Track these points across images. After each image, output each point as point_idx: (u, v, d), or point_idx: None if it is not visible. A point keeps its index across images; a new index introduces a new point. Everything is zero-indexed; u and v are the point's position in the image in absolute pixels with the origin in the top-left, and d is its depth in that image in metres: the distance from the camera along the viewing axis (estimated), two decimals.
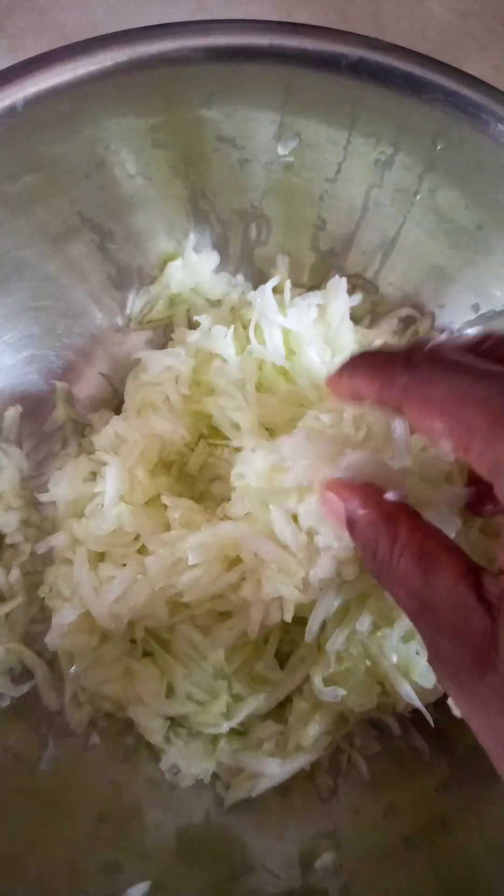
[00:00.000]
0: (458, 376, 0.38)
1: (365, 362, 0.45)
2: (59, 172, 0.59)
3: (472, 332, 0.67)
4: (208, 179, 0.64)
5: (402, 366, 0.41)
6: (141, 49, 0.54)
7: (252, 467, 0.56)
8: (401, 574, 0.40)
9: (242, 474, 0.57)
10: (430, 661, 0.40)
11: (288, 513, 0.57)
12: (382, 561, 0.41)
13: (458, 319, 0.68)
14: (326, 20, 0.85)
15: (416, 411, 0.40)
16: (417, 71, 0.55)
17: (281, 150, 0.62)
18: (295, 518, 0.57)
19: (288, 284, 0.66)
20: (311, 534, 0.54)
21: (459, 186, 0.60)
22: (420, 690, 0.58)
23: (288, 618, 0.57)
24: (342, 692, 0.58)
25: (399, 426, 0.47)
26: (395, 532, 0.41)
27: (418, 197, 0.62)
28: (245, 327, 0.65)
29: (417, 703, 0.57)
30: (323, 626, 0.60)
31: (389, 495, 0.44)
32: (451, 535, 0.48)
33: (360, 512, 0.44)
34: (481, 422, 0.35)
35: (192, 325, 0.69)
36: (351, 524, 0.45)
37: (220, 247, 0.70)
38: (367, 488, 0.45)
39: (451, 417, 0.37)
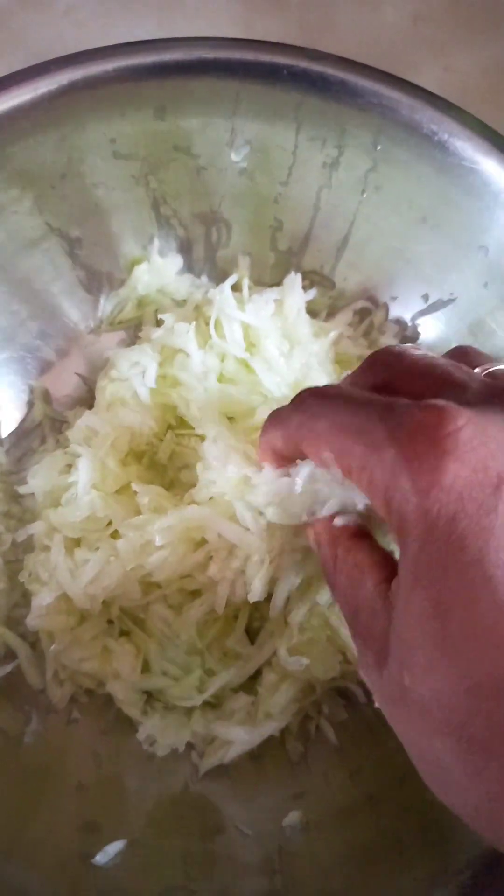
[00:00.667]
0: (337, 409, 0.43)
1: (269, 418, 0.51)
2: (25, 184, 0.63)
3: (423, 321, 0.71)
4: (168, 187, 0.68)
5: (292, 408, 0.48)
6: (96, 68, 0.59)
7: (223, 476, 0.60)
8: (339, 587, 0.46)
9: (213, 480, 0.61)
10: (358, 664, 0.45)
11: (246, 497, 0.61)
12: (329, 577, 0.48)
13: (411, 309, 0.72)
14: (285, 30, 0.89)
15: (310, 446, 0.45)
16: (351, 78, 0.59)
17: (234, 157, 0.66)
18: None
19: (246, 282, 0.70)
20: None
21: (401, 184, 0.64)
22: None
23: (253, 598, 0.60)
24: (306, 661, 0.62)
25: (302, 470, 0.52)
26: (334, 552, 0.48)
27: (365, 195, 0.66)
28: (207, 324, 0.68)
29: None
30: (287, 601, 0.64)
31: (337, 520, 0.50)
32: None
33: (320, 537, 0.51)
34: (357, 449, 0.40)
35: (159, 324, 0.72)
36: (316, 548, 0.52)
37: (184, 250, 0.74)
38: (326, 520, 0.51)
39: (333, 447, 0.43)
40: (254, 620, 0.68)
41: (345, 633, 0.62)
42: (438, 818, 0.56)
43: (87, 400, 0.76)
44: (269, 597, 0.62)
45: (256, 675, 0.67)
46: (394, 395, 0.42)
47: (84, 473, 0.65)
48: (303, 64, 0.59)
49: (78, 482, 0.66)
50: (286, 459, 0.53)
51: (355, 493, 0.51)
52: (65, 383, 0.76)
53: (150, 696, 0.67)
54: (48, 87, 0.59)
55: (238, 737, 0.64)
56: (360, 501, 0.51)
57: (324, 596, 0.63)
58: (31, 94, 0.59)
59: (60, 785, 0.62)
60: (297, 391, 0.67)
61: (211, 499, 0.62)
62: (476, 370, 0.44)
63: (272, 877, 0.59)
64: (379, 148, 0.62)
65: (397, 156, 0.62)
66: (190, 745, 0.66)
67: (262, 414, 0.64)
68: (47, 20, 0.88)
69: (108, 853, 0.56)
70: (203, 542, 0.62)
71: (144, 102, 0.61)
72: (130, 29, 0.88)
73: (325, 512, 0.52)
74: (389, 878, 0.56)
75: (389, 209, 0.66)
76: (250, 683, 0.67)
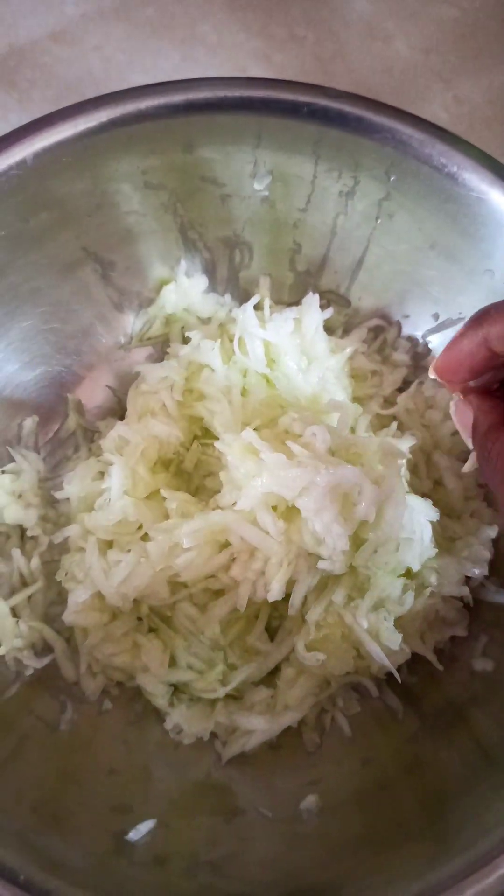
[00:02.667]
0: None
1: (477, 319, 0.49)
2: (64, 213, 0.68)
3: (434, 338, 0.76)
4: (195, 213, 0.73)
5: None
6: (131, 106, 0.64)
7: (251, 492, 0.64)
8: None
9: (237, 487, 0.65)
10: None
11: (268, 504, 0.65)
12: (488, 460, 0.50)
13: (422, 327, 0.76)
14: (301, 63, 0.94)
15: None
16: (368, 115, 0.64)
17: (257, 186, 0.71)
18: (274, 508, 0.66)
19: (267, 301, 0.74)
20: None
21: (412, 212, 0.68)
22: (389, 652, 0.65)
23: (272, 598, 0.64)
24: (322, 657, 0.67)
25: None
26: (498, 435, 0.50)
27: (379, 221, 0.71)
28: (231, 340, 0.73)
29: (386, 662, 0.65)
30: (304, 601, 0.68)
31: None
32: None
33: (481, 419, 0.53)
34: None
35: (186, 341, 0.77)
36: (473, 429, 0.53)
37: (209, 271, 0.78)
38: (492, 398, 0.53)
39: None
40: (273, 619, 0.72)
41: (359, 629, 0.66)
42: (442, 806, 0.61)
43: (116, 411, 0.81)
44: (287, 596, 0.67)
45: (276, 670, 0.72)
46: None
47: (116, 480, 0.70)
48: (322, 102, 0.63)
49: (111, 488, 0.70)
50: (476, 371, 0.52)
51: None
52: (96, 395, 0.81)
53: (176, 689, 0.72)
54: (87, 124, 0.64)
55: (259, 726, 0.68)
56: None
57: (339, 595, 0.67)
58: (72, 130, 0.64)
59: (94, 769, 0.66)
60: (315, 404, 0.73)
61: (234, 504, 0.66)
62: None
63: (289, 855, 0.63)
64: (392, 179, 0.66)
65: (409, 186, 0.67)
66: (213, 735, 0.71)
67: (283, 424, 0.69)
68: (77, 55, 0.93)
69: (140, 831, 0.61)
70: (227, 544, 0.67)
71: (174, 138, 0.66)
72: (155, 62, 0.93)
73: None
74: (394, 858, 0.59)
75: (401, 235, 0.71)
76: (270, 677, 0.72)
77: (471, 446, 0.56)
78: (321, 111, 0.64)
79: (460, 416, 0.55)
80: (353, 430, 0.72)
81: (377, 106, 0.64)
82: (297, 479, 0.62)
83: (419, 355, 0.77)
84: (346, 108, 0.64)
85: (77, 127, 0.63)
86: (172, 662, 0.71)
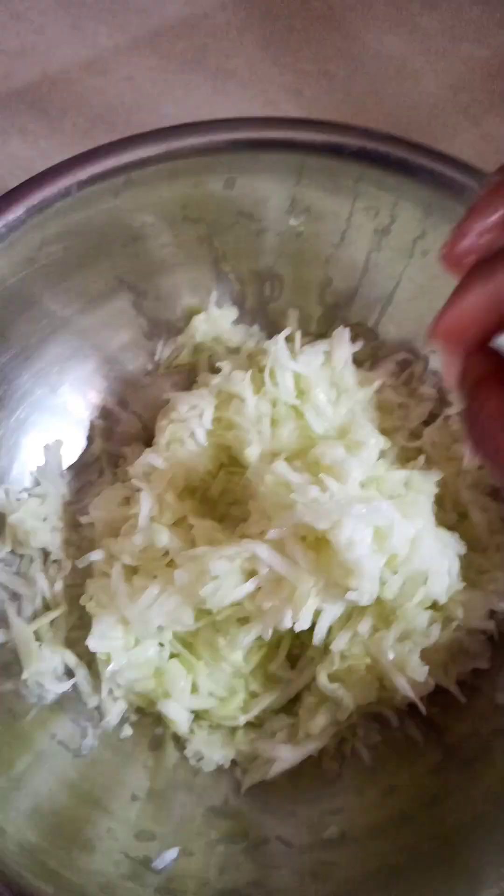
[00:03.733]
0: None
1: (471, 276, 0.39)
2: (101, 242, 0.69)
3: None
4: (229, 246, 0.74)
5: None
6: (175, 143, 0.65)
7: (281, 523, 0.64)
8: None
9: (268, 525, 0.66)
10: None
11: (297, 535, 0.66)
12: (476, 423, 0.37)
13: None
14: (332, 98, 0.96)
15: None
16: (409, 156, 0.65)
17: (293, 222, 0.72)
18: (303, 538, 0.66)
19: (298, 335, 0.75)
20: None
21: None
22: (413, 684, 0.66)
23: (299, 627, 0.64)
24: (343, 691, 0.67)
25: None
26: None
27: (412, 259, 0.72)
28: (261, 371, 0.73)
29: (411, 694, 0.66)
30: (329, 630, 0.68)
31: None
32: None
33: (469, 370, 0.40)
34: None
35: (213, 370, 0.78)
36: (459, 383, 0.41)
37: (239, 302, 0.79)
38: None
39: None
40: (294, 647, 0.73)
41: (384, 661, 0.66)
42: (466, 842, 0.61)
43: (142, 436, 0.81)
44: (311, 626, 0.67)
45: (296, 699, 0.72)
46: None
47: (145, 507, 0.70)
48: (365, 143, 0.65)
49: (139, 514, 0.71)
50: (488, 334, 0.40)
51: None
52: (122, 421, 0.81)
53: (198, 716, 0.72)
54: (130, 158, 0.65)
55: (283, 755, 0.68)
56: None
57: (365, 626, 0.68)
58: (115, 162, 0.65)
59: (115, 795, 0.66)
60: (344, 436, 0.74)
61: (262, 532, 0.67)
62: None
63: (309, 885, 0.63)
64: (429, 218, 0.68)
65: (445, 225, 0.68)
66: (233, 762, 0.71)
67: (313, 455, 0.70)
68: (108, 84, 0.95)
69: (165, 859, 0.61)
70: (254, 572, 0.67)
71: (216, 174, 0.67)
72: (186, 93, 0.95)
73: None
74: (416, 892, 0.60)
75: (434, 272, 0.71)
76: (290, 705, 0.72)
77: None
78: (364, 153, 0.65)
79: (447, 367, 0.44)
80: (381, 462, 0.73)
81: (419, 149, 0.66)
82: (330, 512, 0.63)
83: (445, 389, 0.78)
84: (389, 150, 0.65)
85: (121, 159, 0.64)
86: (194, 689, 0.71)
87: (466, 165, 0.66)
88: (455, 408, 0.77)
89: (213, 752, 0.70)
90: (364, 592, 0.64)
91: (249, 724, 0.71)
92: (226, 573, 0.66)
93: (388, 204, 0.69)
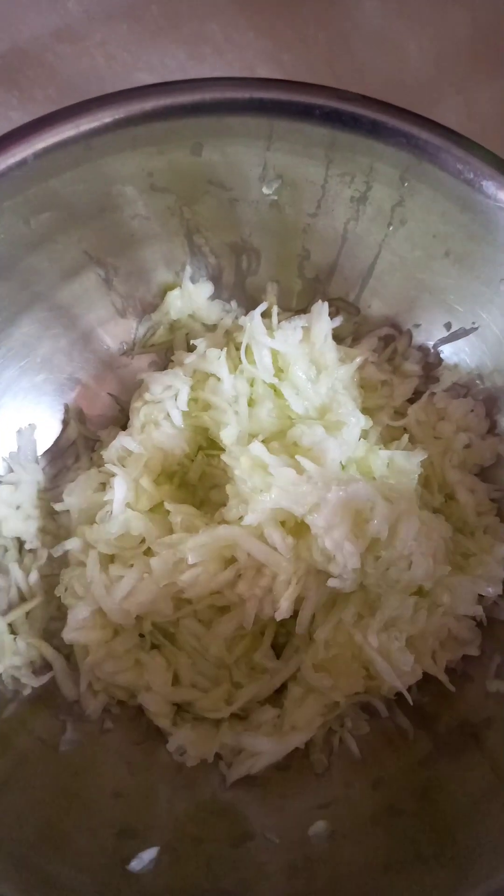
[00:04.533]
0: None
1: None
2: (67, 215, 0.66)
3: (446, 348, 0.74)
4: (202, 217, 0.71)
5: None
6: (136, 106, 0.61)
7: (259, 507, 0.62)
8: None
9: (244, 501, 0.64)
10: None
11: (276, 520, 0.63)
12: None
13: (433, 337, 0.74)
14: (310, 64, 0.91)
15: None
16: (382, 118, 0.61)
17: (266, 190, 0.68)
18: (283, 523, 0.64)
19: (275, 309, 0.72)
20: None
21: (426, 218, 0.66)
22: (400, 672, 0.64)
23: (280, 616, 0.63)
24: (329, 682, 0.65)
25: None
26: None
27: (391, 228, 0.68)
28: (238, 349, 0.71)
29: (397, 684, 0.63)
30: (312, 618, 0.66)
31: None
32: None
33: None
34: None
35: (190, 348, 0.75)
36: None
37: (215, 277, 0.76)
38: None
39: None
40: (279, 636, 0.71)
41: (369, 649, 0.64)
42: (458, 833, 0.59)
43: (119, 419, 0.78)
44: (294, 613, 0.65)
45: (282, 689, 0.70)
46: None
47: (119, 493, 0.68)
48: (336, 104, 0.61)
49: (113, 501, 0.68)
50: None
51: None
52: (98, 403, 0.79)
53: (180, 708, 0.70)
54: (90, 124, 0.61)
55: (265, 748, 0.66)
56: None
57: (348, 613, 0.65)
58: (74, 130, 0.61)
59: (97, 792, 0.64)
60: (324, 415, 0.71)
61: (241, 518, 0.64)
62: None
63: (296, 882, 0.61)
64: (406, 184, 0.64)
65: (423, 192, 0.64)
66: (218, 756, 0.68)
67: (291, 436, 0.67)
68: (80, 53, 0.90)
69: (142, 860, 0.59)
70: (233, 560, 0.65)
71: (181, 139, 0.64)
72: (161, 60, 0.91)
73: None
74: (407, 887, 0.58)
75: (414, 242, 0.68)
76: (276, 696, 0.70)
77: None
78: (335, 114, 0.61)
79: None
80: (362, 442, 0.70)
81: (393, 110, 0.62)
82: (307, 496, 0.60)
83: (430, 365, 0.75)
84: (361, 111, 0.61)
85: (80, 127, 0.60)
86: (176, 681, 0.69)
87: (443, 128, 0.62)
88: (441, 384, 0.74)
89: (196, 747, 0.68)
90: (346, 579, 0.62)
91: (234, 717, 0.69)
92: (204, 561, 0.65)
93: (364, 169, 0.65)
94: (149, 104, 0.61)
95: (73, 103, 0.62)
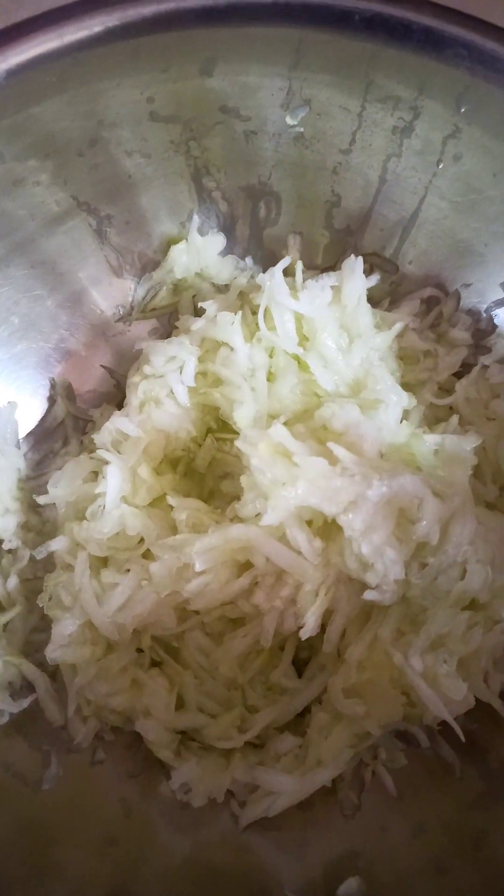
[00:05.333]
0: None
1: None
2: (49, 150, 0.56)
3: (502, 312, 0.64)
4: (212, 154, 0.62)
5: None
6: (132, 12, 0.51)
7: (281, 503, 0.53)
8: None
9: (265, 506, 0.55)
10: None
11: (301, 519, 0.54)
12: None
13: (487, 299, 0.65)
14: None
15: None
16: (438, 25, 0.51)
17: (290, 120, 0.59)
18: (309, 523, 0.55)
19: (299, 266, 0.63)
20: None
21: (487, 153, 0.57)
22: (448, 701, 0.54)
23: (306, 634, 0.54)
24: (362, 709, 0.56)
25: None
26: None
27: (441, 166, 0.59)
28: (254, 313, 0.62)
29: (446, 716, 0.54)
30: (343, 633, 0.58)
31: None
32: None
33: None
34: None
35: (199, 313, 0.66)
36: None
37: (227, 228, 0.68)
38: None
39: None
40: (301, 650, 0.62)
41: (411, 673, 0.54)
42: None
43: (114, 397, 0.70)
44: (322, 628, 0.56)
45: (304, 713, 0.61)
46: None
47: (113, 484, 0.59)
48: (379, 7, 0.50)
49: (105, 494, 0.59)
50: None
51: None
52: (90, 377, 0.70)
53: (185, 736, 0.61)
54: (76, 34, 0.50)
55: (286, 787, 0.57)
56: None
57: (386, 629, 0.56)
58: (57, 42, 0.50)
59: (85, 839, 0.56)
60: (358, 391, 0.60)
61: (258, 516, 0.55)
62: None
63: None
64: (463, 110, 0.54)
65: (484, 120, 0.54)
66: (229, 793, 0.60)
67: (320, 418, 0.57)
68: None
69: None
70: (248, 565, 0.57)
71: (190, 54, 0.53)
72: None
73: None
74: None
75: (469, 183, 0.59)
76: (297, 721, 0.62)
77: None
78: (379, 20, 0.51)
79: None
80: (404, 424, 0.60)
81: (450, 14, 0.51)
82: (342, 491, 0.51)
83: (482, 333, 0.66)
84: (411, 16, 0.51)
85: (63, 37, 0.50)
86: (180, 704, 0.61)
87: None
88: (495, 355, 0.64)
89: (203, 783, 0.59)
90: (385, 590, 0.53)
91: (248, 746, 0.61)
92: (214, 566, 0.56)
93: (411, 92, 0.55)
94: (149, 9, 0.51)
95: (56, 7, 0.51)
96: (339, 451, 0.52)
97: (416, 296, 0.67)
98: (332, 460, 0.53)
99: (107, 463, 0.60)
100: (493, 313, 0.64)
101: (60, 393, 0.68)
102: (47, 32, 0.50)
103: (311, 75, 0.55)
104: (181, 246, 0.66)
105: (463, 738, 0.55)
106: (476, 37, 0.51)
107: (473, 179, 0.58)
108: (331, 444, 0.53)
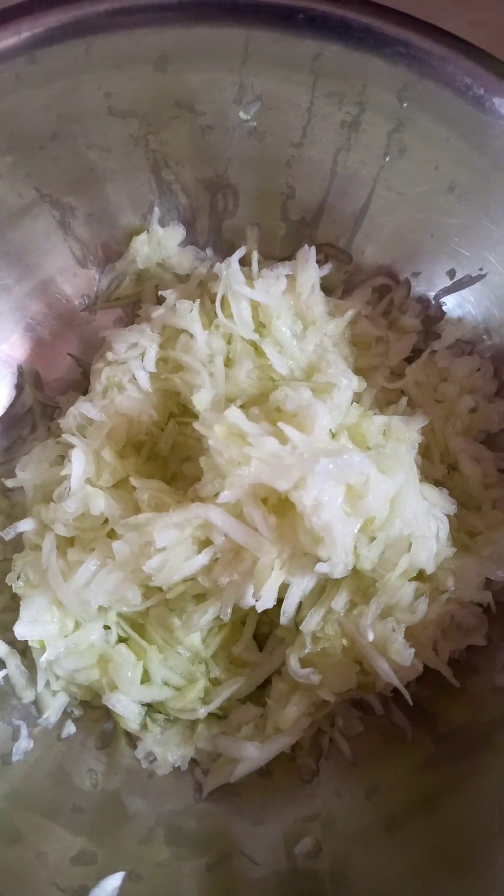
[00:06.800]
0: None
1: None
2: (11, 143, 0.58)
3: (449, 300, 0.65)
4: (170, 148, 0.63)
5: None
6: (88, 8, 0.52)
7: (237, 482, 0.54)
8: None
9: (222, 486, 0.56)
10: None
11: (257, 496, 0.55)
12: None
13: (435, 286, 0.66)
14: None
15: None
16: (377, 23, 0.53)
17: (243, 115, 0.60)
18: (265, 500, 0.56)
19: (255, 255, 0.64)
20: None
21: (429, 146, 0.58)
22: (398, 668, 0.56)
23: (262, 606, 0.55)
24: (318, 677, 0.57)
25: None
26: None
27: (387, 159, 0.61)
28: (213, 301, 0.63)
29: (396, 682, 0.56)
30: (299, 607, 0.59)
31: None
32: None
33: None
34: None
35: (161, 302, 0.67)
36: None
37: (187, 220, 0.68)
38: None
39: None
40: (262, 625, 0.64)
41: (363, 642, 0.56)
42: (469, 852, 0.51)
43: (81, 384, 0.71)
44: (279, 602, 0.58)
45: (265, 685, 0.63)
46: None
47: (77, 467, 0.60)
48: (322, 7, 0.52)
49: (70, 476, 0.60)
50: None
51: None
52: (57, 365, 0.71)
53: (151, 708, 0.63)
54: (32, 30, 0.52)
55: (248, 754, 0.59)
56: None
57: (339, 601, 0.58)
58: (14, 38, 0.52)
59: (54, 807, 0.57)
60: (311, 376, 0.62)
61: (216, 495, 0.56)
62: None
63: None
64: (405, 105, 0.56)
65: (425, 114, 0.56)
66: (193, 762, 0.61)
67: (274, 400, 0.59)
68: None
69: (104, 889, 0.51)
70: (208, 542, 0.57)
71: (143, 52, 0.55)
72: None
73: None
74: None
75: (414, 175, 0.60)
76: (258, 693, 0.63)
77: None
78: (321, 19, 0.53)
79: None
80: (355, 406, 0.62)
81: (389, 13, 0.53)
82: (292, 469, 0.52)
83: (431, 319, 0.67)
84: (352, 15, 0.53)
85: (21, 34, 0.52)
86: (145, 678, 0.62)
87: (448, 35, 0.54)
88: (443, 341, 0.66)
89: (168, 751, 0.61)
90: (337, 563, 0.55)
91: (212, 716, 0.62)
92: (174, 544, 0.57)
93: (356, 88, 0.56)
94: (103, 6, 0.53)
95: (11, 4, 0.52)
96: (289, 430, 0.54)
97: (368, 284, 0.68)
98: (284, 440, 0.54)
99: (72, 447, 0.61)
100: (442, 301, 0.66)
101: (28, 381, 0.69)
102: (4, 29, 0.52)
103: (261, 71, 0.57)
104: (143, 237, 0.67)
105: (411, 702, 0.57)
106: (412, 34, 0.53)
107: (418, 171, 0.59)
108: (281, 424, 0.54)
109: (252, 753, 0.59)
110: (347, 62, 0.54)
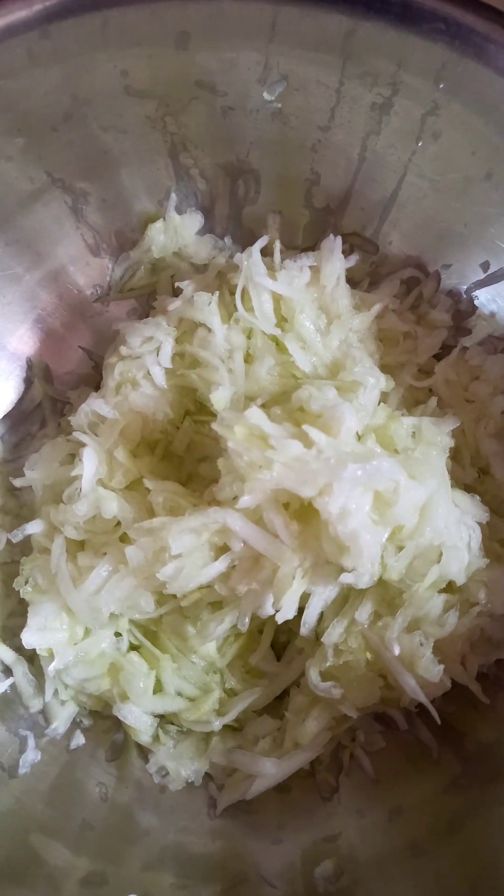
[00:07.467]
0: None
1: None
2: (22, 124, 0.55)
3: (482, 293, 0.62)
4: (189, 131, 0.61)
5: None
6: None
7: (257, 486, 0.52)
8: None
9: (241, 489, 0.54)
10: None
11: (278, 502, 0.53)
12: None
13: (467, 280, 0.64)
14: None
15: None
16: None
17: (267, 96, 0.58)
18: (286, 506, 0.54)
19: (277, 245, 0.62)
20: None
21: (465, 130, 0.56)
22: (425, 684, 0.54)
23: (282, 617, 0.53)
24: (339, 692, 0.55)
25: None
26: None
27: (420, 144, 0.58)
28: (232, 293, 0.61)
29: (422, 699, 0.54)
30: (320, 618, 0.57)
31: None
32: None
33: None
34: None
35: (177, 293, 0.65)
36: None
37: (206, 206, 0.66)
38: None
39: None
40: (280, 633, 0.62)
41: (388, 656, 0.54)
42: (497, 880, 0.49)
43: (92, 378, 0.69)
44: (300, 611, 0.55)
45: (283, 696, 0.61)
46: None
47: (89, 467, 0.58)
48: None
49: (81, 477, 0.58)
50: None
51: None
52: (67, 358, 0.69)
53: (163, 720, 0.61)
54: (44, 2, 0.49)
55: (264, 770, 0.57)
56: None
57: (363, 612, 0.55)
58: (25, 10, 0.49)
59: (62, 824, 0.55)
60: (336, 373, 0.60)
61: (235, 499, 0.54)
62: None
63: None
64: (442, 86, 0.53)
65: (463, 97, 0.53)
66: (208, 776, 0.59)
67: (297, 400, 0.56)
68: None
69: None
70: (225, 548, 0.55)
71: (164, 28, 0.52)
72: None
73: None
74: None
75: (449, 161, 0.58)
76: (275, 704, 0.61)
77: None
78: None
79: None
80: (382, 406, 0.59)
81: None
82: (317, 474, 0.50)
83: (462, 314, 0.65)
84: None
85: (33, 6, 0.49)
86: (158, 688, 0.60)
87: (492, 9, 0.51)
88: (475, 337, 0.63)
89: (181, 765, 0.59)
90: (363, 574, 0.52)
91: (227, 729, 0.60)
92: (190, 550, 0.55)
93: (389, 67, 0.54)
94: None
95: None
96: (314, 433, 0.51)
97: (395, 276, 0.65)
98: (308, 443, 0.51)
99: (83, 446, 0.59)
100: (474, 294, 0.63)
101: (37, 374, 0.67)
102: (14, 1, 0.49)
103: (288, 49, 0.54)
104: (158, 225, 0.65)
105: (438, 721, 0.55)
106: (455, 10, 0.50)
107: (453, 157, 0.57)
108: (306, 427, 0.51)
109: (269, 770, 0.57)
110: (382, 40, 0.52)
